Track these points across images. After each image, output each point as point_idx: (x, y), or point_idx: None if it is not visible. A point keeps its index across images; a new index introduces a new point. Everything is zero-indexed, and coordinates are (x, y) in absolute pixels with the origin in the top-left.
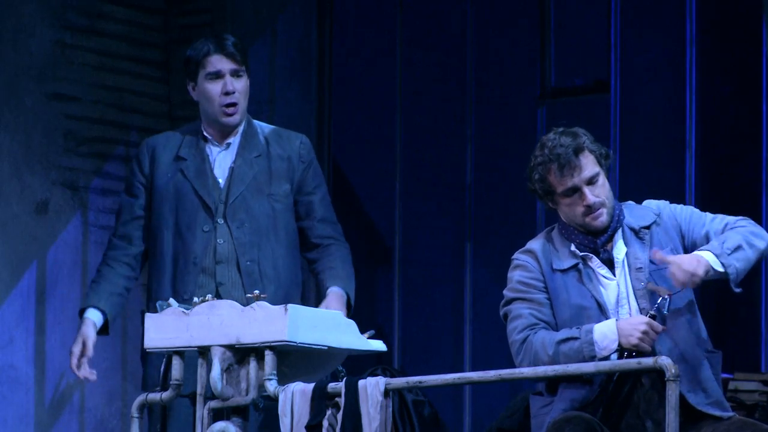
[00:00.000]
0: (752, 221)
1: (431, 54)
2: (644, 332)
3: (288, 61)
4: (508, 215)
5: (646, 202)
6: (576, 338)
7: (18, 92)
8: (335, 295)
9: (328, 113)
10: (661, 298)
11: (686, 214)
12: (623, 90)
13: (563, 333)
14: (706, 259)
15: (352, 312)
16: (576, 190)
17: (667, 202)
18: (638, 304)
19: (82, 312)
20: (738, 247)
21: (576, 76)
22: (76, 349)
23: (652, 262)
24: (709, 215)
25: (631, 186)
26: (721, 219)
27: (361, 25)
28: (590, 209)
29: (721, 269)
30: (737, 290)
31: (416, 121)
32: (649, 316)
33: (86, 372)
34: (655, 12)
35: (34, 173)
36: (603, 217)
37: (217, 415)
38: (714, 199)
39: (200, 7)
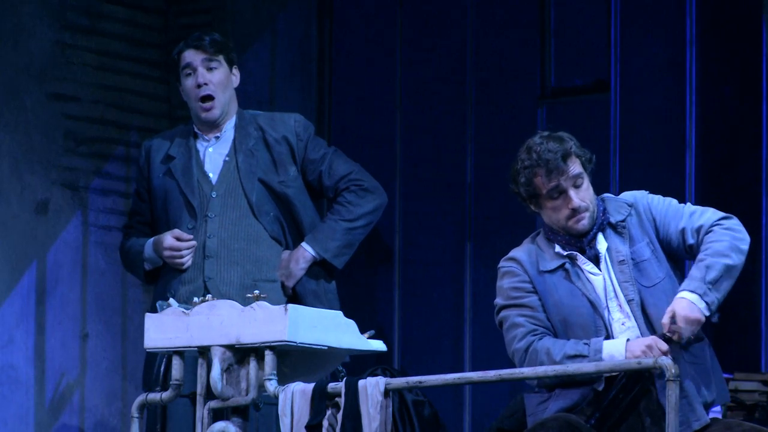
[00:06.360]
0: (731, 222)
1: (431, 54)
2: (648, 346)
3: (288, 61)
4: (508, 215)
5: (622, 195)
6: (584, 356)
7: (18, 92)
8: (296, 250)
9: (328, 113)
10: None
11: (662, 207)
12: (623, 90)
13: (571, 347)
14: (695, 304)
15: (336, 269)
16: (562, 193)
17: (646, 192)
18: (624, 295)
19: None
20: (720, 279)
21: (576, 76)
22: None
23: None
24: (687, 209)
25: (631, 186)
26: (700, 215)
27: (361, 25)
28: (575, 212)
29: (707, 313)
30: (714, 320)
31: (416, 121)
32: (661, 337)
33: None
34: (655, 12)
35: (34, 173)
36: (585, 221)
37: (217, 415)
38: (714, 199)
39: (200, 7)
